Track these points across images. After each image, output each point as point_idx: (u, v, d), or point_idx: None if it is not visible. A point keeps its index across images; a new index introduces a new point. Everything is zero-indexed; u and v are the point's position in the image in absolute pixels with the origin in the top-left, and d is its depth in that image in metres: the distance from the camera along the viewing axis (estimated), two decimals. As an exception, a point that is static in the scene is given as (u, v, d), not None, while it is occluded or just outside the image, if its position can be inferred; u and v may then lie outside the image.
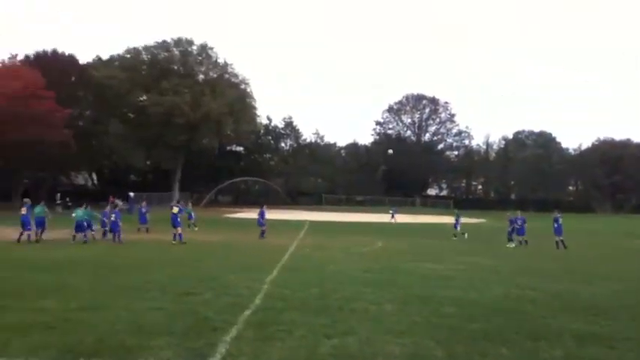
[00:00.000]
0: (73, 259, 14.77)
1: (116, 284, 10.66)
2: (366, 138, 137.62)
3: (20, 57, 62.71)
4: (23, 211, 20.60)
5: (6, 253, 16.36)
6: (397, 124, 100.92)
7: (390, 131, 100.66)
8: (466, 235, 27.47)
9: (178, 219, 21.68)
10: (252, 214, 50.95)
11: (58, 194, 55.31)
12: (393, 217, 45.40)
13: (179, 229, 21.34)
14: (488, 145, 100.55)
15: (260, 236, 23.99)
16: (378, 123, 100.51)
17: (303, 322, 7.59)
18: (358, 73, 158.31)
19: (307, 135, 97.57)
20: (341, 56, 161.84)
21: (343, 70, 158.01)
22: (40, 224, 20.93)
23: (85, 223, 21.09)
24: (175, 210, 22.31)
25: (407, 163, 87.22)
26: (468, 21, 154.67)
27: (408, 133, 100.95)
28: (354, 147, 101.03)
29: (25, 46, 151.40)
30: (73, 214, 21.41)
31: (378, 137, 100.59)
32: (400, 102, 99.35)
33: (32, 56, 63.83)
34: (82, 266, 13.41)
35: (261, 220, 25.01)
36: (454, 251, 20.18)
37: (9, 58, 61.47)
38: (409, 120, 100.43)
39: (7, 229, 22.84)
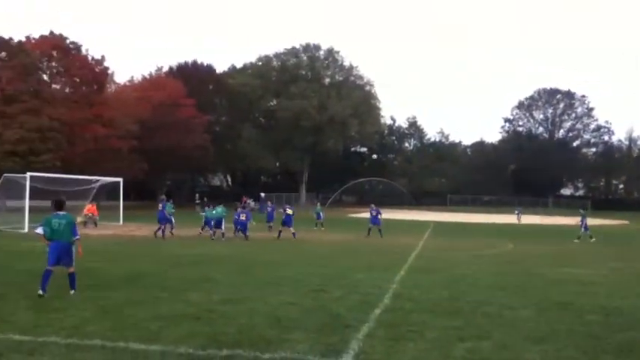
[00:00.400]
0: (212, 256, 15.79)
1: (252, 279, 11.29)
2: (493, 136, 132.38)
3: (165, 69, 68.18)
4: (160, 207, 22.88)
5: (155, 249, 17.89)
6: (528, 121, 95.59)
7: (520, 128, 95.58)
8: (593, 239, 25.00)
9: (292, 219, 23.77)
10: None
11: (197, 194, 59.33)
12: (518, 217, 43.32)
13: (292, 229, 23.06)
14: (631, 140, 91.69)
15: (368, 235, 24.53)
16: (506, 120, 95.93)
17: (434, 324, 7.53)
18: (485, 69, 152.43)
19: (431, 134, 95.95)
20: (467, 53, 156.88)
21: (470, 67, 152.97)
22: (165, 220, 22.75)
23: (213, 222, 22.63)
24: (290, 211, 24.03)
25: (538, 161, 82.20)
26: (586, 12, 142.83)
27: (540, 129, 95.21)
28: (480, 145, 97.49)
29: (170, 59, 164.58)
30: (214, 212, 22.97)
31: (506, 135, 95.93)
32: (531, 97, 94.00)
33: (175, 68, 69.09)
34: (220, 262, 14.33)
35: (376, 219, 25.08)
36: (592, 255, 18.78)
37: (155, 71, 67.19)
38: (541, 116, 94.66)
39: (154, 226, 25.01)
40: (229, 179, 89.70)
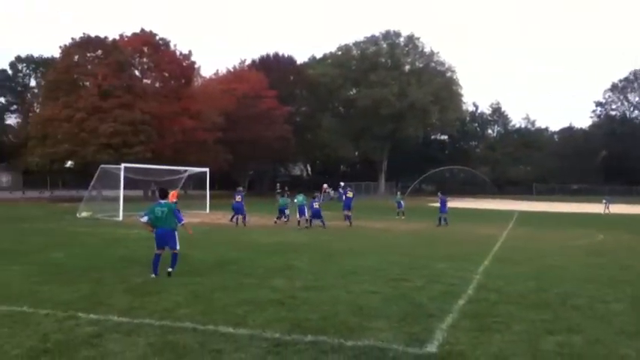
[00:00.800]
0: (291, 244, 16.07)
1: (333, 267, 11.41)
2: (583, 121, 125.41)
3: (248, 62, 69.89)
4: (238, 198, 23.55)
5: (239, 237, 18.48)
6: (622, 104, 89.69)
7: (613, 112, 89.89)
8: None
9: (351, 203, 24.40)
10: (457, 203, 50.12)
11: (278, 184, 60.53)
12: (606, 207, 40.83)
13: (348, 212, 23.88)
14: None
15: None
16: (598, 104, 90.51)
17: (521, 316, 7.31)
18: (576, 50, 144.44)
19: (516, 120, 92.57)
20: (555, 34, 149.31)
21: (558, 48, 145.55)
22: (240, 210, 23.36)
23: (286, 210, 23.81)
24: (350, 194, 24.67)
25: (633, 147, 77.00)
26: None
27: (635, 113, 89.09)
28: (569, 131, 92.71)
29: (253, 52, 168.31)
30: (295, 200, 23.39)
31: (598, 119, 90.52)
32: (626, 79, 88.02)
33: (257, 60, 70.63)
34: (300, 250, 14.56)
35: (444, 209, 24.71)
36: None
37: (239, 64, 69.01)
38: (637, 98, 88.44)
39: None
40: (309, 169, 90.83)
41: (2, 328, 6.40)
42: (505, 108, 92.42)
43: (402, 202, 30.40)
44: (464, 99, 79.45)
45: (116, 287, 8.97)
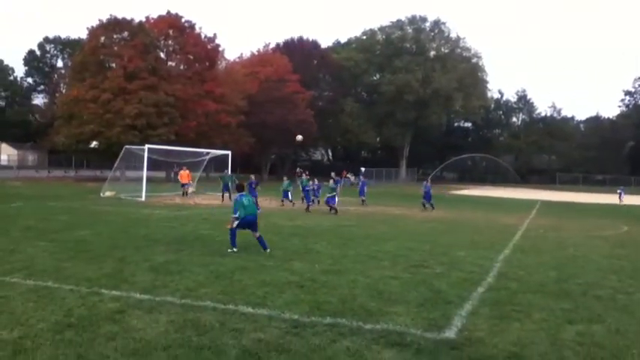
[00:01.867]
0: (311, 228, 16.12)
1: (352, 252, 11.44)
2: (611, 110, 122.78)
3: (272, 45, 69.73)
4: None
5: (259, 220, 18.52)
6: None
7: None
8: None
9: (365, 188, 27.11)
10: (478, 192, 49.78)
11: (298, 168, 60.70)
12: (620, 197, 40.10)
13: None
14: None
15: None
16: (627, 93, 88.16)
17: (541, 305, 7.27)
18: (604, 37, 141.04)
19: (542, 108, 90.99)
20: (583, 20, 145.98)
21: (587, 35, 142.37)
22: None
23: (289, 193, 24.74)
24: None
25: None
26: None
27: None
28: (595, 120, 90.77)
29: (277, 35, 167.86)
30: (300, 184, 23.79)
31: (626, 109, 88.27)
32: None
33: (282, 44, 70.44)
34: (319, 234, 14.60)
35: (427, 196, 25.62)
36: None
37: (263, 47, 68.91)
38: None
39: (260, 198, 25.91)
40: (330, 154, 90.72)
41: (28, 302, 6.57)
42: (531, 96, 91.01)
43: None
44: (489, 86, 78.32)
45: (139, 265, 9.13)
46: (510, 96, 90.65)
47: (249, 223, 11.12)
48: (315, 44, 72.59)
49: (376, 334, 5.77)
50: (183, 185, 27.65)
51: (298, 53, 65.73)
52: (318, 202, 24.96)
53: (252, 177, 25.35)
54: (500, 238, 15.12)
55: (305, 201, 23.62)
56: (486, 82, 76.27)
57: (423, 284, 8.33)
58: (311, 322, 6.11)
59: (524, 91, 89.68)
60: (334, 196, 21.92)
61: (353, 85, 74.94)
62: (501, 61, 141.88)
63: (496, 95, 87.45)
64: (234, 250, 10.82)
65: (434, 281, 8.60)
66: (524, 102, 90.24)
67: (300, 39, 71.91)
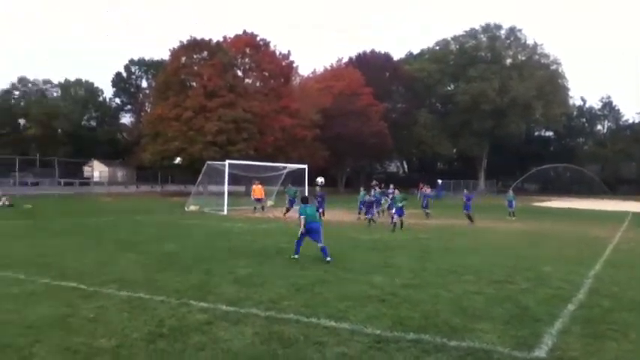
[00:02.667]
0: (388, 241, 15.98)
1: (432, 266, 11.23)
2: None
3: (345, 60, 70.43)
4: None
5: (336, 233, 18.64)
6: None
7: None
8: None
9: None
10: (563, 203, 47.50)
11: (374, 180, 60.56)
12: None
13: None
14: None
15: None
16: None
17: (638, 324, 6.85)
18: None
19: (629, 115, 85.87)
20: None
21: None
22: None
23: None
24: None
25: None
26: None
27: None
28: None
29: (350, 49, 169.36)
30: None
31: None
32: None
33: (354, 58, 70.99)
34: (397, 248, 14.42)
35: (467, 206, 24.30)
36: None
37: (336, 62, 69.74)
38: None
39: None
40: (405, 165, 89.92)
41: (123, 313, 6.95)
42: (617, 102, 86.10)
43: (513, 201, 28.46)
44: (570, 93, 75.13)
45: (224, 278, 9.42)
46: (594, 103, 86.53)
47: (312, 230, 11.70)
48: (387, 57, 72.61)
49: (462, 351, 5.65)
50: (257, 200, 27.53)
51: (371, 66, 66.00)
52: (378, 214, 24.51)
53: (318, 189, 25.70)
54: (589, 252, 14.37)
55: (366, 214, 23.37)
56: (567, 88, 73.27)
57: (508, 300, 8.06)
58: (394, 337, 6.07)
59: (609, 97, 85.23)
60: (401, 207, 21.41)
61: (427, 96, 74.18)
62: (583, 66, 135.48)
63: (578, 102, 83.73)
64: (296, 257, 11.61)
65: (520, 297, 8.31)
66: (609, 109, 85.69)
67: (373, 52, 72.20)
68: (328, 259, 11.27)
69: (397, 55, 77.97)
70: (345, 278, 9.60)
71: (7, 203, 27.54)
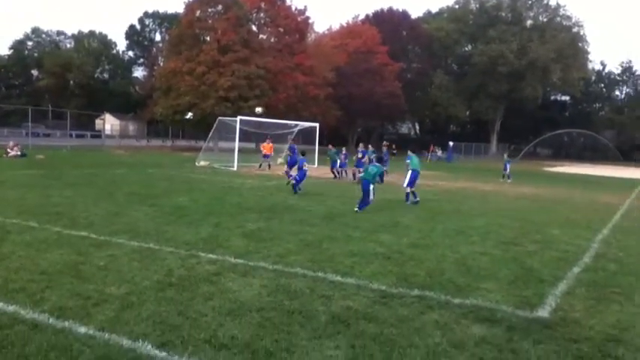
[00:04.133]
0: (399, 201, 15.96)
1: (440, 227, 11.29)
2: None
3: (361, 17, 69.16)
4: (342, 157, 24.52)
5: (345, 191, 18.70)
6: None
7: None
8: None
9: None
10: (575, 169, 47.18)
11: (385, 141, 60.34)
12: None
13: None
14: None
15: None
16: None
17: (643, 289, 6.89)
18: None
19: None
20: None
21: None
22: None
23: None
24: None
25: None
26: None
27: None
28: None
29: (367, 6, 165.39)
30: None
31: None
32: None
33: (371, 15, 69.67)
34: (406, 208, 14.54)
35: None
36: None
37: (352, 19, 68.54)
38: None
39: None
40: (418, 127, 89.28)
41: (133, 262, 7.07)
42: (637, 67, 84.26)
43: (507, 164, 28.52)
44: (590, 57, 73.57)
45: (233, 231, 9.54)
46: (613, 67, 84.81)
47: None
48: (404, 14, 71.17)
49: (465, 308, 5.72)
50: (264, 156, 27.57)
51: (388, 24, 64.81)
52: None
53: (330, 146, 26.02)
54: (598, 217, 14.35)
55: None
56: (587, 52, 71.77)
57: (514, 262, 8.12)
58: (399, 293, 6.15)
59: (629, 62, 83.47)
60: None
61: (443, 57, 72.98)
62: (605, 29, 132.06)
63: (597, 67, 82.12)
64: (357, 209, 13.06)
65: (526, 259, 8.36)
66: (629, 74, 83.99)
67: (390, 9, 70.77)
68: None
69: (415, 13, 76.39)
70: (353, 236, 9.67)
71: (19, 153, 27.82)
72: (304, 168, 16.77)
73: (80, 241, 8.21)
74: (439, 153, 56.34)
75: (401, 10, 71.13)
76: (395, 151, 47.73)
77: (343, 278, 6.69)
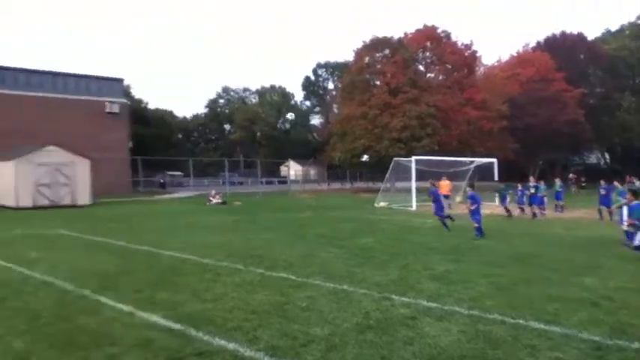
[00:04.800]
0: (600, 239, 14.62)
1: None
2: None
3: (532, 44, 66.18)
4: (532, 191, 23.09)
5: (534, 229, 17.66)
6: None
7: None
8: None
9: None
10: None
11: (570, 174, 56.01)
12: None
13: None
14: None
15: None
16: None
17: None
18: None
19: None
20: None
21: None
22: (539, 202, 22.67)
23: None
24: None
25: None
26: None
27: None
28: None
29: (537, 34, 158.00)
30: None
31: None
32: None
33: (542, 41, 66.33)
34: (605, 246, 13.18)
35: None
36: None
37: (523, 47, 65.88)
38: None
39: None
40: (607, 156, 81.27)
41: (331, 303, 7.41)
42: None
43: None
44: None
45: (421, 273, 9.56)
46: None
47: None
48: (580, 37, 66.34)
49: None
50: (444, 197, 26.62)
51: (562, 49, 60.95)
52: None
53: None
54: None
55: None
56: None
57: None
58: (616, 346, 5.62)
59: None
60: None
61: (630, 77, 66.13)
62: None
63: None
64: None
65: None
66: None
67: (563, 34, 66.55)
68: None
69: (591, 34, 70.72)
70: (551, 279, 9.08)
71: (220, 201, 31.02)
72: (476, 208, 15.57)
73: (281, 282, 8.85)
74: (638, 183, 50.45)
75: (575, 33, 66.46)
76: (584, 183, 43.97)
77: (547, 326, 6.31)
